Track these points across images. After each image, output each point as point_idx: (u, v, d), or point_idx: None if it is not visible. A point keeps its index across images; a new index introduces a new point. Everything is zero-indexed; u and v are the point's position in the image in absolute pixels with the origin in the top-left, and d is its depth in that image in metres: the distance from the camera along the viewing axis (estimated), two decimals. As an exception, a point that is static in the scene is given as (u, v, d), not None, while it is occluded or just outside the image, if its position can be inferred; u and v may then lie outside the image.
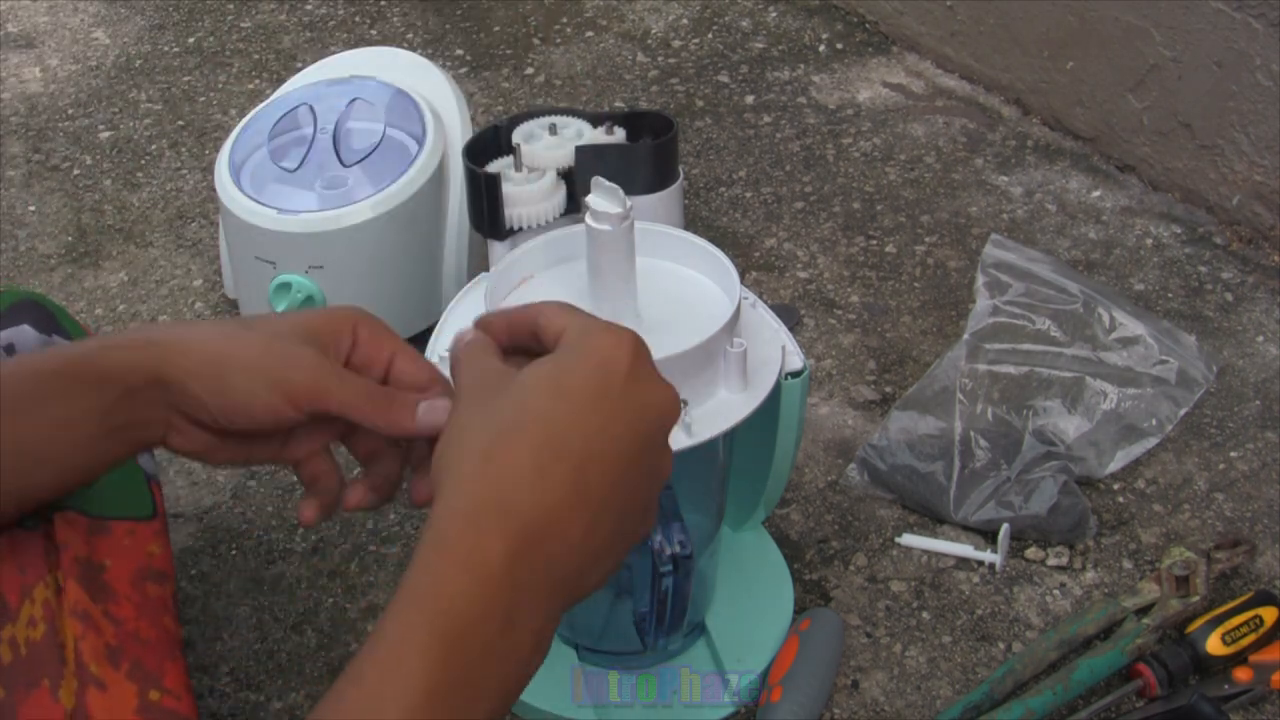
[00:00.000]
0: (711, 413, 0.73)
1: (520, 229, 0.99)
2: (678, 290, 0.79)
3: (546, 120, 1.04)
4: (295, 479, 0.80)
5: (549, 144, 1.02)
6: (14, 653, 0.62)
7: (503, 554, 0.49)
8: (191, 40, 1.65)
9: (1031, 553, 0.96)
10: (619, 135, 1.04)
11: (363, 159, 1.11)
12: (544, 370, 0.53)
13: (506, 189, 1.00)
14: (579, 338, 0.55)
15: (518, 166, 1.01)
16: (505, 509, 0.49)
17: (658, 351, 0.72)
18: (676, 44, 1.59)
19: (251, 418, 0.60)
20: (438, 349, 0.76)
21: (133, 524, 0.71)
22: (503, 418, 0.52)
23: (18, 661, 0.62)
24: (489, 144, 1.04)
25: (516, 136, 1.04)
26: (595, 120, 1.05)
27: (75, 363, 0.60)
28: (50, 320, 0.77)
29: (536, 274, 0.80)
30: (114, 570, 0.69)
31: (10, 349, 0.73)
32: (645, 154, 1.02)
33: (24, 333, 0.75)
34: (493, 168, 1.02)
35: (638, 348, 0.55)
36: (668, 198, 1.04)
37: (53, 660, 0.63)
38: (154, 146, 1.46)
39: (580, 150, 1.00)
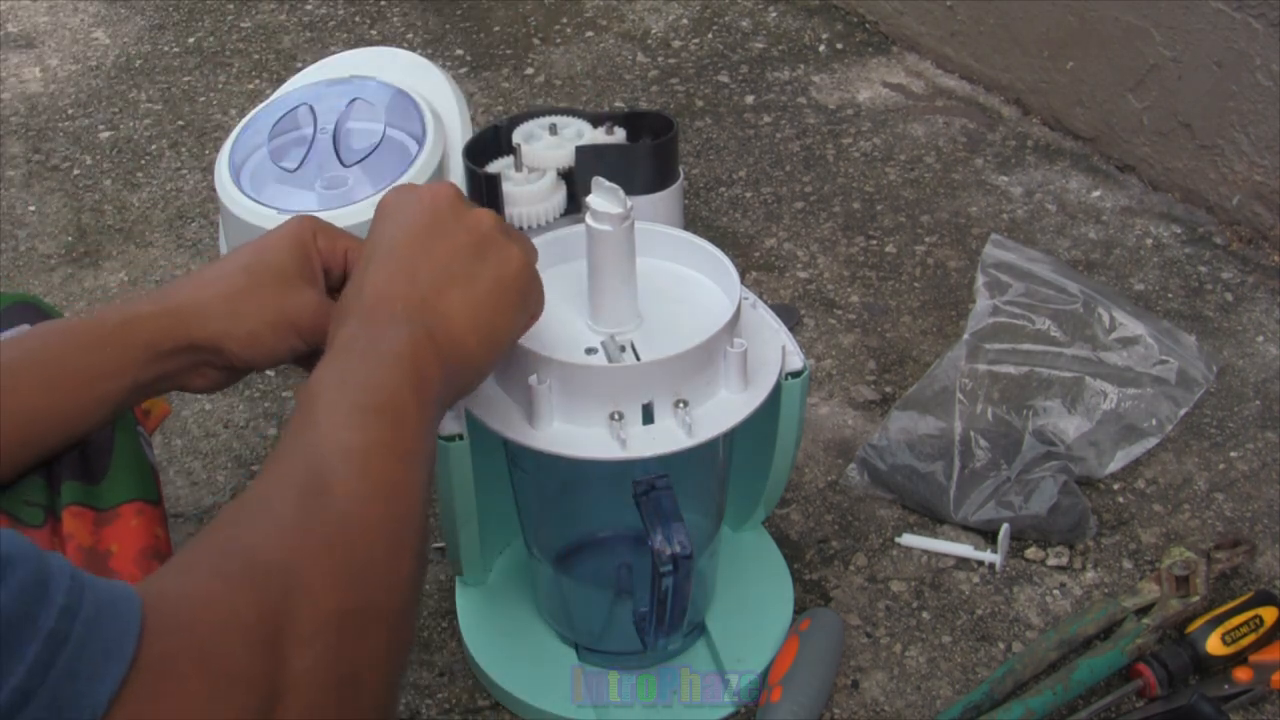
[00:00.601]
0: (711, 413, 0.73)
1: (520, 229, 0.99)
2: (678, 290, 0.79)
3: (546, 120, 1.05)
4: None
5: (549, 144, 1.02)
6: None
7: (395, 315, 0.61)
8: (191, 40, 1.66)
9: (1031, 553, 0.96)
10: (619, 135, 1.04)
11: (363, 159, 1.11)
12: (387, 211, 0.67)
13: (507, 189, 1.00)
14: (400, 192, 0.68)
15: (518, 166, 1.01)
16: (393, 295, 0.62)
17: (658, 351, 0.73)
18: (676, 44, 1.59)
19: (276, 359, 0.70)
20: None
21: (142, 505, 0.73)
22: (373, 245, 0.65)
23: None
24: (489, 144, 1.04)
25: (517, 136, 1.04)
26: (595, 120, 1.05)
27: (105, 332, 0.68)
28: (44, 320, 0.77)
29: None
30: (120, 554, 0.69)
31: None
32: (645, 154, 1.02)
33: (21, 333, 0.75)
34: (493, 168, 1.02)
35: (455, 189, 0.67)
36: (668, 198, 1.04)
37: None
38: (154, 146, 1.46)
39: (580, 150, 1.00)
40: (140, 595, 0.45)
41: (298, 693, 0.47)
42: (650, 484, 0.71)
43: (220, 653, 0.46)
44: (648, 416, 0.72)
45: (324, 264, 0.72)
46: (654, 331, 0.76)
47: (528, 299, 0.67)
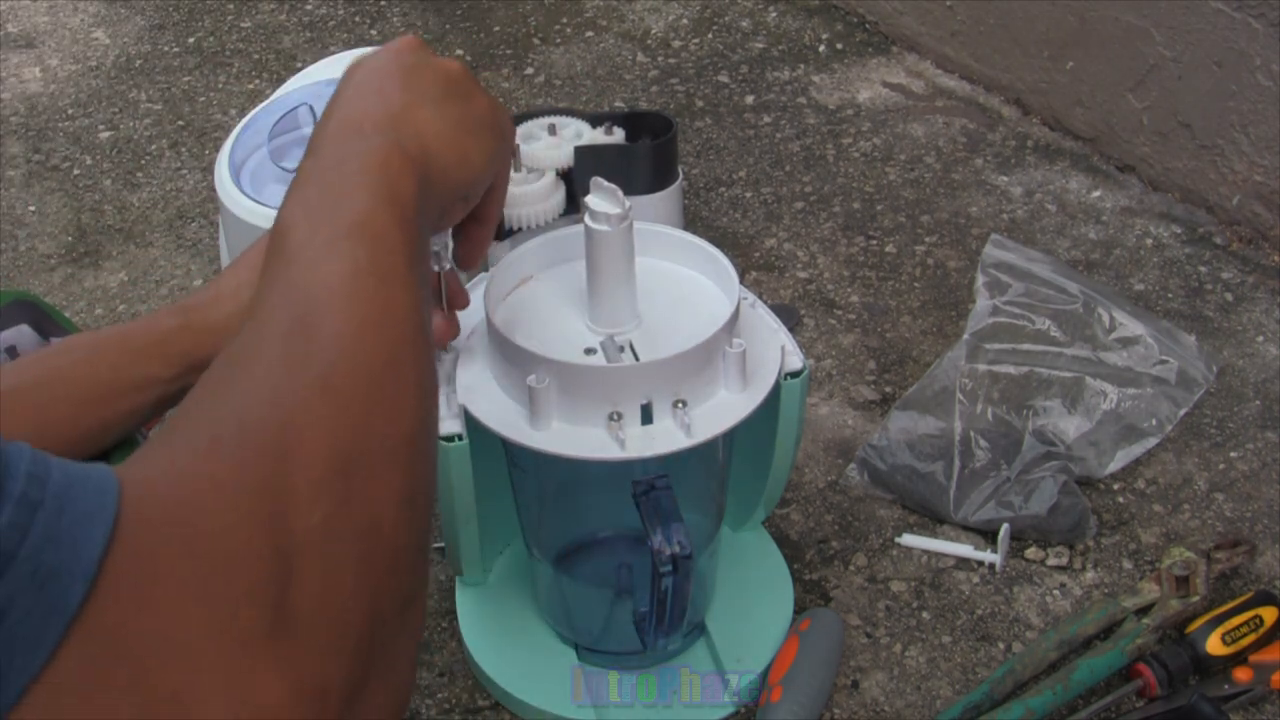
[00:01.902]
0: (711, 413, 0.73)
1: (519, 229, 0.99)
2: (677, 290, 0.79)
3: (546, 120, 1.04)
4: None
5: (548, 144, 1.02)
6: None
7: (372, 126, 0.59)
8: (191, 40, 1.65)
9: (1031, 553, 0.96)
10: (618, 135, 1.04)
11: (362, 159, 1.11)
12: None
13: None
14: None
15: (517, 167, 1.01)
16: (368, 117, 0.60)
17: (658, 351, 0.73)
18: (676, 44, 1.59)
19: None
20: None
21: None
22: (337, 91, 0.63)
23: None
24: None
25: (516, 137, 1.04)
26: (595, 120, 1.05)
27: (134, 349, 0.71)
28: (47, 320, 0.77)
29: (536, 274, 0.80)
30: None
31: (13, 350, 0.73)
32: (645, 154, 1.02)
33: (24, 333, 0.75)
34: None
35: (418, 39, 0.66)
36: (667, 198, 1.04)
37: None
38: (154, 146, 1.46)
39: (579, 150, 1.00)
40: (118, 476, 0.41)
41: (312, 555, 0.43)
42: (650, 484, 0.71)
43: (215, 532, 0.42)
44: (647, 417, 0.72)
45: None
46: (653, 331, 0.76)
47: (500, 128, 0.65)
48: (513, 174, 1.01)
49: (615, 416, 0.71)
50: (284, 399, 0.46)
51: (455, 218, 0.65)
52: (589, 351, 0.75)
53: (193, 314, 0.71)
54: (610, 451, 0.70)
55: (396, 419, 0.49)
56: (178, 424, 0.47)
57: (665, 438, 0.71)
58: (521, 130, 1.04)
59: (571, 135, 1.03)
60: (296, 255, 0.51)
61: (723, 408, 0.73)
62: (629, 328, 0.76)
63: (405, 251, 0.53)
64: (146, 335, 0.71)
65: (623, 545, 0.85)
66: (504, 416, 0.73)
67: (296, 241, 0.52)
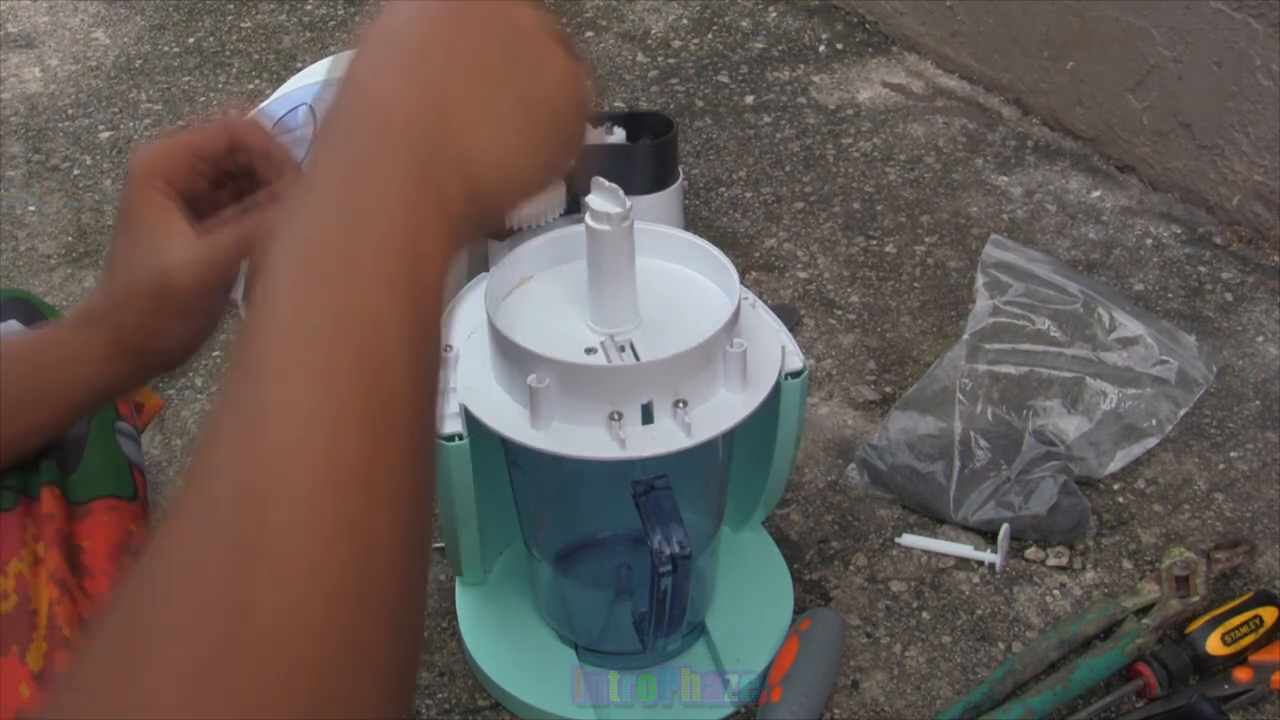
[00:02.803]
0: (711, 413, 0.73)
1: (520, 229, 0.99)
2: (677, 290, 0.79)
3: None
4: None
5: None
6: None
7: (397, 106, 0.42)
8: (191, 40, 1.65)
9: (1031, 553, 0.96)
10: (619, 135, 1.04)
11: (362, 159, 1.11)
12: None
13: None
14: None
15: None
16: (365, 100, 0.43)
17: (658, 351, 0.73)
18: (676, 44, 1.59)
19: (200, 338, 0.68)
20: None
21: (114, 501, 0.72)
22: (370, 30, 0.45)
23: None
24: None
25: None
26: (595, 120, 1.04)
27: (62, 350, 0.67)
28: (39, 318, 0.78)
29: (536, 274, 0.80)
30: (91, 550, 0.69)
31: None
32: (645, 154, 1.02)
33: (11, 328, 0.76)
34: None
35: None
36: (668, 198, 1.04)
37: (23, 628, 0.64)
38: (154, 146, 1.46)
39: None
40: None
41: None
42: (649, 484, 0.71)
43: None
44: (647, 416, 0.72)
45: (188, 187, 0.64)
46: (653, 331, 0.76)
47: (575, 114, 0.48)
48: None
49: (615, 416, 0.71)
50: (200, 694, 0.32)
51: (480, 238, 0.48)
52: (589, 351, 0.75)
53: (101, 313, 0.66)
54: (610, 451, 0.70)
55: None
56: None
57: (665, 437, 0.71)
58: None
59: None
60: (271, 349, 0.36)
61: (723, 407, 0.73)
62: (629, 327, 0.76)
63: (413, 355, 0.38)
64: (74, 331, 0.66)
65: (622, 545, 0.85)
66: (504, 416, 0.73)
67: (277, 318, 0.37)
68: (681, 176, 1.05)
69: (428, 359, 0.39)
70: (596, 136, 1.03)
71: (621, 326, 0.75)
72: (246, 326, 0.37)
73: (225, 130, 0.66)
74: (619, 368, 0.72)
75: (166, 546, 0.35)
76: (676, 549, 0.70)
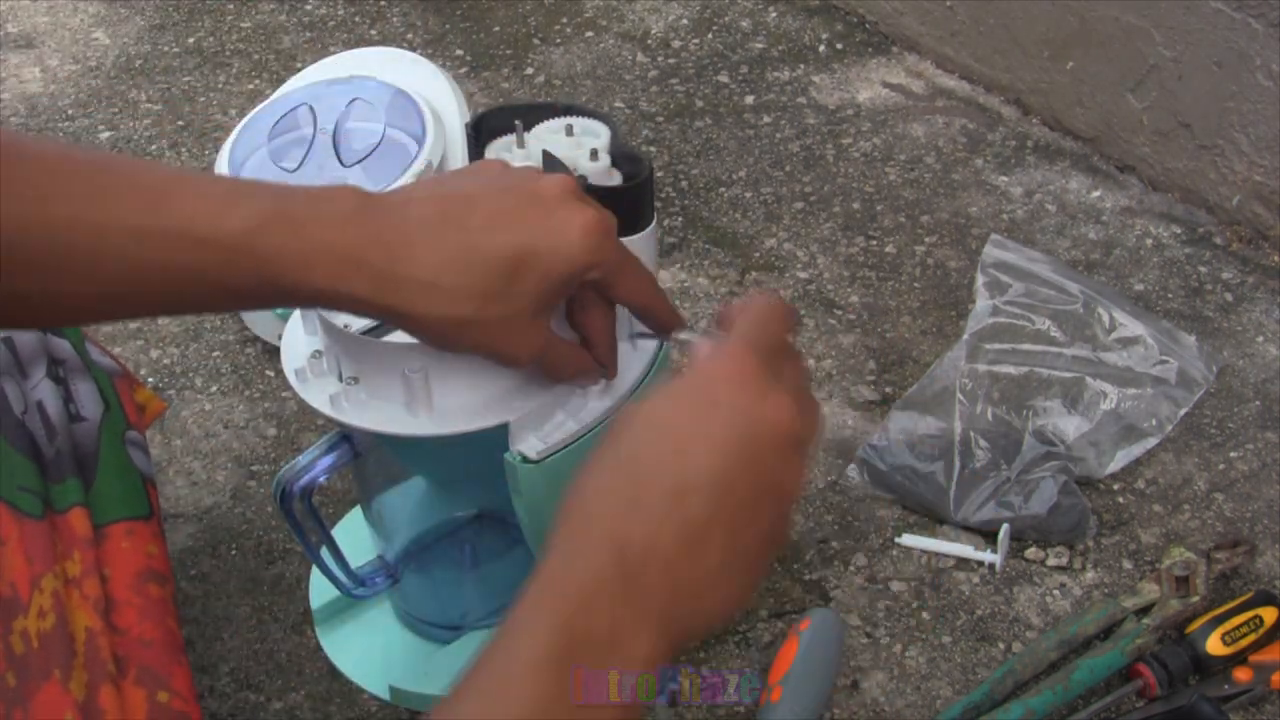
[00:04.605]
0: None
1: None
2: None
3: (563, 121, 1.03)
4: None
5: (567, 144, 1.01)
6: (26, 644, 0.62)
7: (608, 577, 0.48)
8: (191, 40, 1.65)
9: (1031, 553, 0.96)
10: (617, 178, 1.02)
11: (363, 159, 1.11)
12: (646, 400, 0.52)
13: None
14: (690, 366, 0.53)
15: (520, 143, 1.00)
16: (600, 537, 0.48)
17: None
18: (676, 44, 1.59)
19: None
20: None
21: (131, 524, 0.71)
22: (606, 451, 0.51)
23: (30, 653, 0.62)
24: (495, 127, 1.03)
25: (534, 134, 1.03)
26: (593, 154, 1.02)
27: (293, 290, 0.58)
28: None
29: None
30: (114, 579, 0.68)
31: (9, 341, 0.73)
32: (617, 197, 1.00)
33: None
34: (493, 149, 1.02)
35: (744, 361, 0.51)
36: (639, 242, 1.00)
37: (63, 651, 0.63)
38: (154, 146, 1.46)
39: (546, 156, 0.99)
40: None
41: None
42: None
43: None
44: None
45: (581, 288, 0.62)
46: None
47: (785, 523, 0.51)
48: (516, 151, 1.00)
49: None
50: None
51: None
52: None
53: (388, 291, 0.57)
54: (500, 415, 0.68)
55: None
56: None
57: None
58: (540, 130, 1.03)
59: (589, 140, 1.02)
60: (502, 668, 0.45)
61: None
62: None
63: None
64: (329, 293, 0.58)
65: (466, 530, 0.86)
66: (378, 417, 0.70)
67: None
68: (655, 221, 1.00)
69: None
70: (601, 178, 1.02)
71: None
72: None
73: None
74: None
75: None
76: None
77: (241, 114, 1.33)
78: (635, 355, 0.76)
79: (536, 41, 1.62)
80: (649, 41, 1.60)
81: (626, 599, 0.47)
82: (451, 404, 0.68)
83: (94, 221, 0.55)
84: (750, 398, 0.50)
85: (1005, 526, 0.94)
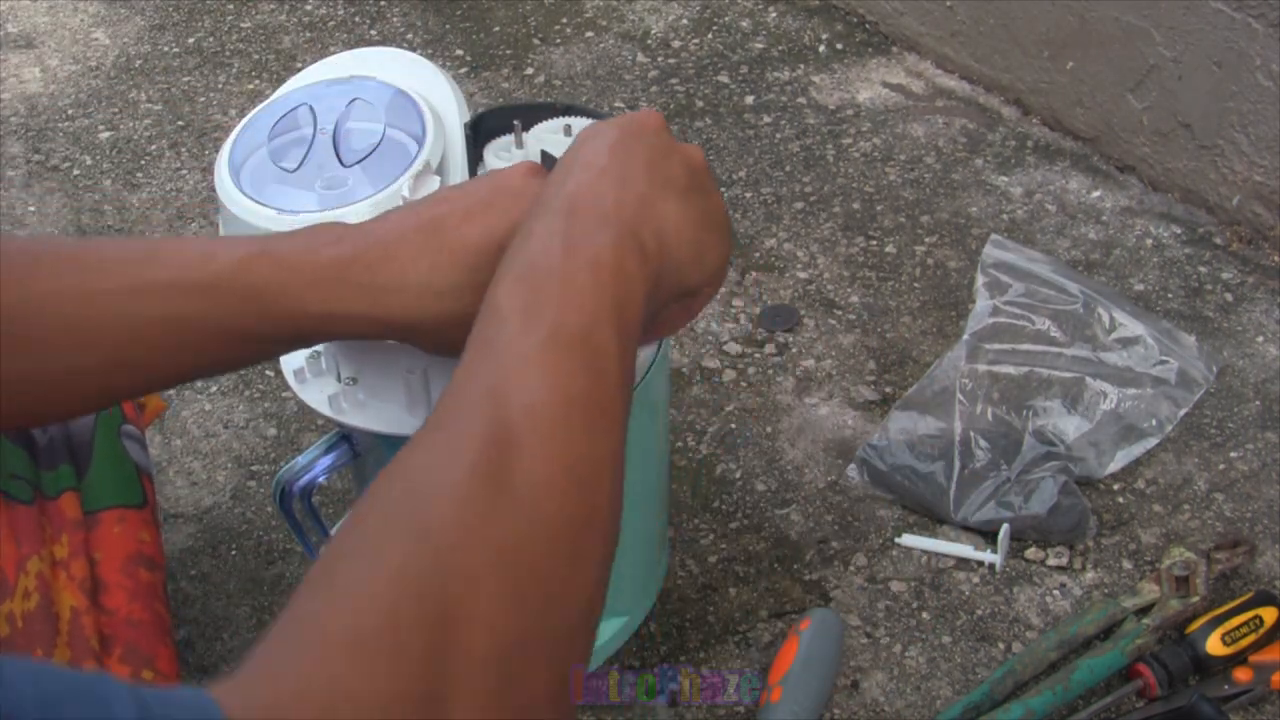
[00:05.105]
0: None
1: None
2: None
3: (562, 121, 1.03)
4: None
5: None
6: (11, 626, 0.63)
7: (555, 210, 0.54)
8: (191, 40, 1.65)
9: (1031, 553, 0.96)
10: None
11: (363, 159, 1.11)
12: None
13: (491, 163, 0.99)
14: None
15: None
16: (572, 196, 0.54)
17: None
18: (676, 44, 1.59)
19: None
20: None
21: (123, 511, 0.72)
22: (571, 158, 0.57)
23: (15, 634, 0.63)
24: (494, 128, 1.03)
25: (533, 135, 1.03)
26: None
27: (291, 322, 0.59)
28: None
29: None
30: (103, 562, 0.69)
31: None
32: None
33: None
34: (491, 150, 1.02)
35: (661, 118, 0.60)
36: None
37: (47, 630, 0.64)
38: (154, 146, 1.46)
39: (545, 156, 0.99)
40: (219, 702, 0.35)
41: None
42: None
43: None
44: None
45: None
46: None
47: (730, 228, 0.61)
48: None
49: None
50: (453, 572, 0.40)
51: (665, 327, 0.62)
52: None
53: (379, 304, 0.59)
54: None
55: (572, 603, 0.44)
56: (306, 605, 0.40)
57: None
58: (537, 131, 1.03)
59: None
60: (504, 355, 0.47)
61: None
62: None
63: (621, 372, 0.49)
64: (323, 315, 0.59)
65: None
66: (381, 418, 0.70)
67: (507, 337, 0.48)
68: None
69: (629, 356, 0.50)
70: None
71: None
72: (481, 325, 0.50)
73: None
74: None
75: (426, 439, 0.46)
76: None
77: (241, 114, 1.33)
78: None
79: (536, 41, 1.62)
80: (649, 41, 1.60)
81: (571, 215, 0.53)
82: None
83: (82, 291, 0.57)
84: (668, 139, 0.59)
85: (1005, 526, 0.94)
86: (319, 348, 0.72)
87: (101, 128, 1.50)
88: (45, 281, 0.56)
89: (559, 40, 1.62)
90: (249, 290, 0.58)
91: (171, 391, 1.13)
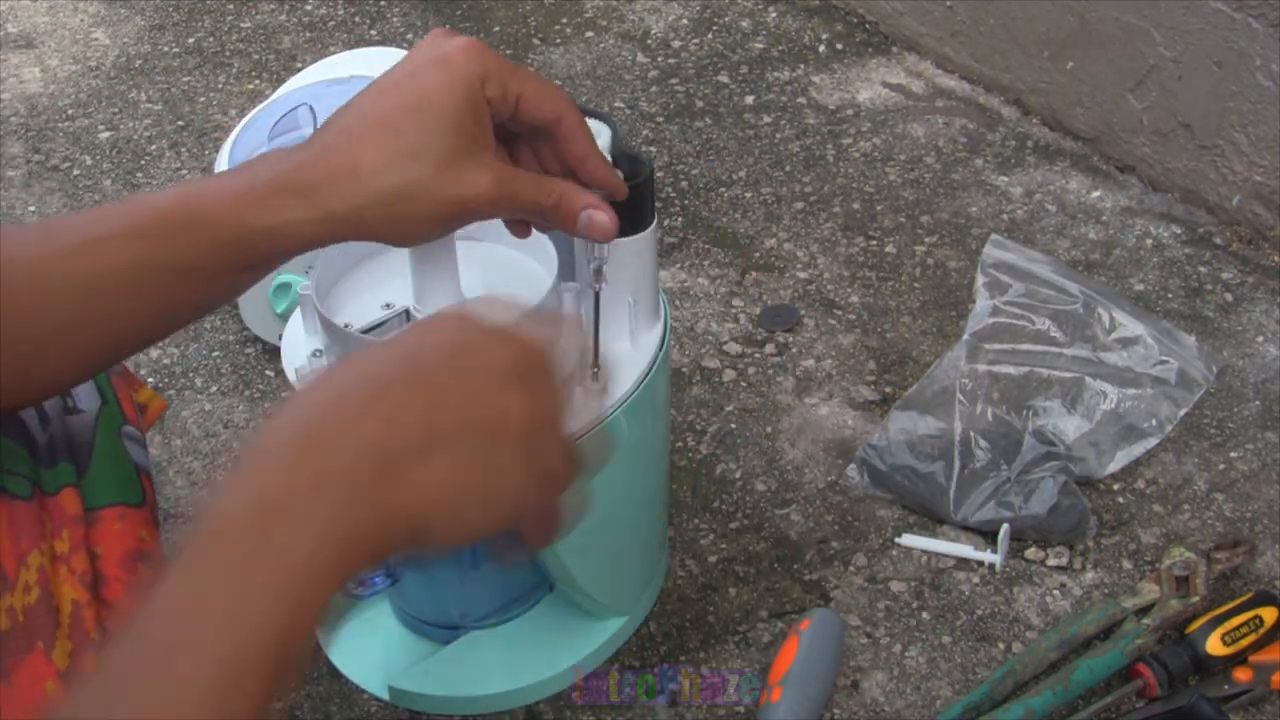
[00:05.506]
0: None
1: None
2: (498, 270, 0.78)
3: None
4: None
5: None
6: (12, 620, 0.63)
7: (285, 443, 0.45)
8: (191, 40, 1.65)
9: (1031, 553, 0.96)
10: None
11: (363, 159, 1.11)
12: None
13: None
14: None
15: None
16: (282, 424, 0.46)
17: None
18: (676, 44, 1.59)
19: (426, 240, 0.64)
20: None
21: (123, 509, 0.72)
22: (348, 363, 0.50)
23: (15, 628, 0.63)
24: None
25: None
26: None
27: (242, 239, 0.59)
28: None
29: (371, 256, 0.78)
30: (105, 557, 0.69)
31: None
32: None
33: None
34: None
35: (464, 320, 0.51)
36: (640, 242, 0.99)
37: (47, 624, 0.64)
38: (154, 146, 1.46)
39: None
40: None
41: None
42: None
43: None
44: None
45: (493, 113, 0.62)
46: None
47: (561, 470, 0.50)
48: None
49: None
50: None
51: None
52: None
53: (318, 202, 0.59)
54: None
55: None
56: None
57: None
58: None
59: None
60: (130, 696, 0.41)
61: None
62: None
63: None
64: (268, 230, 0.59)
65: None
66: None
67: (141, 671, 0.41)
68: (655, 221, 1.00)
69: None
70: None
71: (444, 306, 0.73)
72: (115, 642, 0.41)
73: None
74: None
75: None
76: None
77: (241, 114, 1.33)
78: (635, 355, 0.76)
79: (536, 41, 1.62)
80: (649, 41, 1.60)
81: (301, 458, 0.44)
82: None
83: (36, 255, 0.58)
84: (468, 334, 0.50)
85: (1005, 526, 0.94)
86: (320, 347, 0.72)
87: (101, 128, 1.50)
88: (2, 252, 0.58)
89: (559, 40, 1.62)
90: (191, 221, 0.59)
91: (172, 391, 1.13)
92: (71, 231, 0.60)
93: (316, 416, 0.46)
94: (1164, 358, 1.07)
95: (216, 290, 0.63)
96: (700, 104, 1.48)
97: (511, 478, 0.48)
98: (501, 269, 0.78)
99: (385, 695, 0.86)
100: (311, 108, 1.15)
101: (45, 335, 0.59)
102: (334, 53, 1.28)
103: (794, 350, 1.14)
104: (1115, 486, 1.00)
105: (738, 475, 1.03)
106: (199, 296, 0.62)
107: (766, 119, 1.45)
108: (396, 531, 0.45)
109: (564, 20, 1.66)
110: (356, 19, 1.68)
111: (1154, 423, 1.03)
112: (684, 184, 1.35)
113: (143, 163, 1.43)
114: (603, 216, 0.66)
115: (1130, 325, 1.09)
